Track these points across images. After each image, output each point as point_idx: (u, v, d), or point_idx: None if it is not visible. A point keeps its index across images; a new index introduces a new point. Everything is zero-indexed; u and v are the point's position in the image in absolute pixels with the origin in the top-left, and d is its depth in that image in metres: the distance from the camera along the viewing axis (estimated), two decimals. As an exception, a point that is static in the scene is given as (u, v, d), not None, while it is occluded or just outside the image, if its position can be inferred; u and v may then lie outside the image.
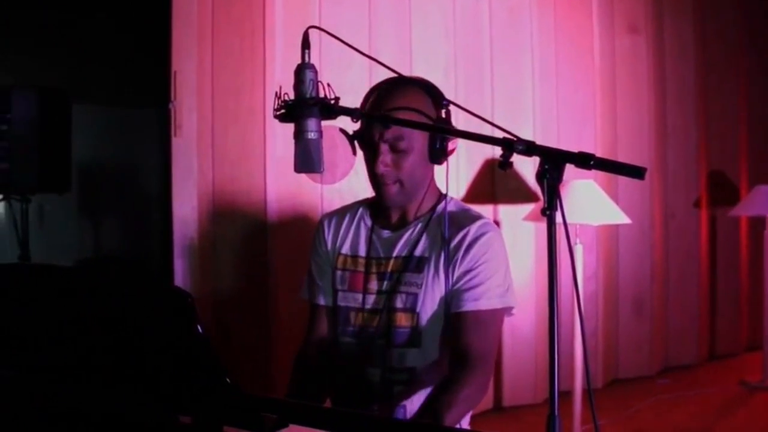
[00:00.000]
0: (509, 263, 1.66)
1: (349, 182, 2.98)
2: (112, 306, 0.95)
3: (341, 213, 1.80)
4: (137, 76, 4.68)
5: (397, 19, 3.36)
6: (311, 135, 1.29)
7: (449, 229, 1.62)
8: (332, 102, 1.28)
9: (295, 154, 1.30)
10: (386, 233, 1.70)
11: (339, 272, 1.72)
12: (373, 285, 1.67)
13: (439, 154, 1.58)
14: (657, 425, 3.40)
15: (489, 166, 3.62)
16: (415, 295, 1.62)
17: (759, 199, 4.05)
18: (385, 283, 1.66)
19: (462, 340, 1.58)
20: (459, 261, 1.61)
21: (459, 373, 1.54)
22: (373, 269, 1.68)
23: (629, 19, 4.15)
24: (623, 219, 3.12)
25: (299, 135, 1.29)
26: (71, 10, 4.67)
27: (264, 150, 3.09)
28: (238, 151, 3.06)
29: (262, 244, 3.10)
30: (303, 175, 1.37)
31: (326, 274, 1.75)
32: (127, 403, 0.95)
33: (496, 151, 3.82)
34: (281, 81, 3.26)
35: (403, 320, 1.63)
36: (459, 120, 1.77)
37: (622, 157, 3.96)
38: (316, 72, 1.29)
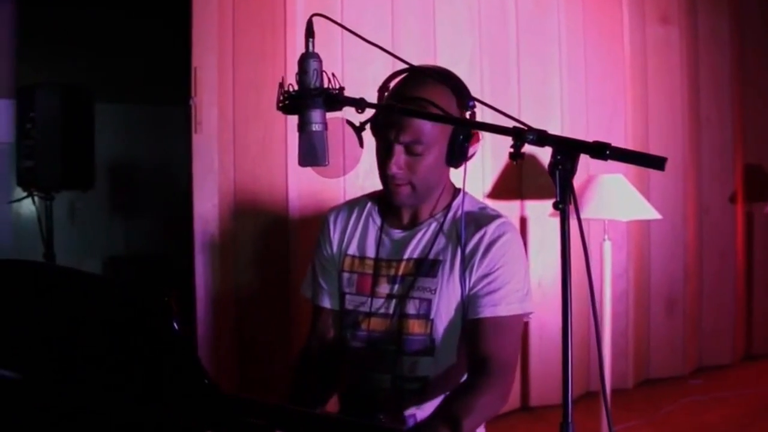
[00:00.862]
0: (528, 265, 1.58)
1: (373, 178, 2.96)
2: (92, 305, 0.92)
3: (348, 208, 1.70)
4: (166, 73, 4.69)
5: (421, 11, 3.31)
6: (315, 127, 1.24)
7: (465, 229, 1.54)
8: (336, 92, 1.23)
9: (300, 147, 1.26)
10: (397, 233, 1.61)
11: (346, 274, 1.64)
12: (383, 289, 1.59)
13: (457, 158, 1.48)
14: (689, 427, 3.30)
15: (516, 162, 3.54)
16: (429, 301, 1.54)
17: (797, 193, 3.91)
18: (396, 286, 1.57)
19: (481, 347, 1.49)
20: (476, 264, 1.52)
21: (479, 380, 1.45)
22: (383, 271, 1.59)
23: (661, 8, 4.04)
24: (654, 214, 3.03)
25: (303, 127, 1.25)
26: (95, 7, 4.70)
27: (285, 146, 3.06)
28: (259, 148, 3.04)
29: (283, 241, 3.07)
30: (317, 172, 1.33)
31: (330, 275, 1.67)
32: (107, 404, 0.92)
33: (526, 147, 3.73)
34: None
35: (416, 327, 1.54)
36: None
37: (654, 151, 3.85)
38: (320, 62, 1.24)
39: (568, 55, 3.63)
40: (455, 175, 1.64)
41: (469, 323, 1.52)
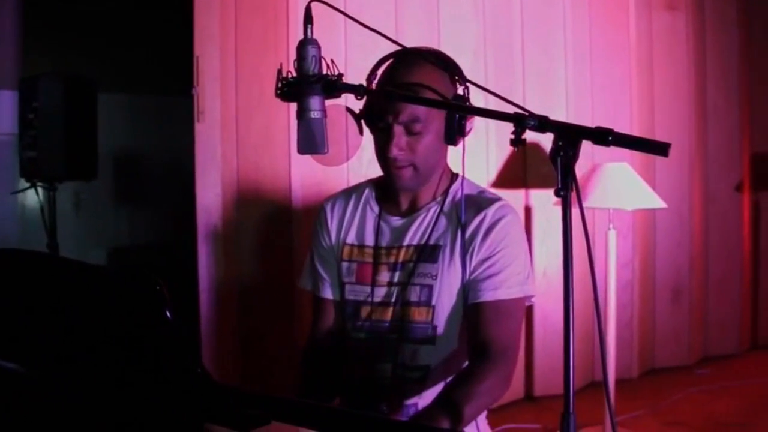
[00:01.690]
0: (528, 248, 1.56)
1: (376, 167, 2.96)
2: (85, 294, 0.91)
3: (345, 196, 1.68)
4: (170, 62, 4.68)
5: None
6: (314, 114, 1.22)
7: (465, 213, 1.52)
8: (335, 79, 1.22)
9: (298, 135, 1.24)
10: (396, 220, 1.59)
11: (345, 264, 1.61)
12: (384, 276, 1.57)
13: (455, 135, 1.46)
14: (695, 417, 3.28)
15: (520, 150, 3.48)
16: (431, 287, 1.52)
17: (805, 182, 3.88)
18: (397, 274, 1.56)
19: (482, 331, 1.47)
20: (477, 248, 1.50)
21: (480, 366, 1.44)
22: (383, 259, 1.57)
23: (667, -5, 4.00)
24: (659, 203, 3.00)
25: (301, 114, 1.23)
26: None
27: (288, 136, 3.04)
28: (262, 138, 3.02)
29: (286, 231, 3.07)
30: (316, 160, 1.31)
31: (330, 265, 1.65)
32: (102, 394, 0.91)
33: (529, 135, 3.70)
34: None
35: (417, 315, 1.52)
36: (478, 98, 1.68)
37: (659, 139, 3.82)
38: (319, 48, 1.23)
39: (573, 42, 3.60)
40: (453, 162, 1.63)
41: (470, 307, 1.51)
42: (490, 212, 1.52)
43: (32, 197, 3.48)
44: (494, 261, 1.50)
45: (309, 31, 1.23)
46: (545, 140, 3.69)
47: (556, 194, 1.02)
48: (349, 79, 1.27)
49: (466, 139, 1.49)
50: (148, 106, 5.19)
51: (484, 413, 1.58)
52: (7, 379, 0.95)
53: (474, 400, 1.38)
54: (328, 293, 1.65)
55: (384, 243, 1.59)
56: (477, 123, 3.78)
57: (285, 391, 3.01)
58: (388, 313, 1.56)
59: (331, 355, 1.64)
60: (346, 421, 0.95)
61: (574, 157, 1.03)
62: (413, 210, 1.59)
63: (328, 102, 1.26)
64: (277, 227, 3.07)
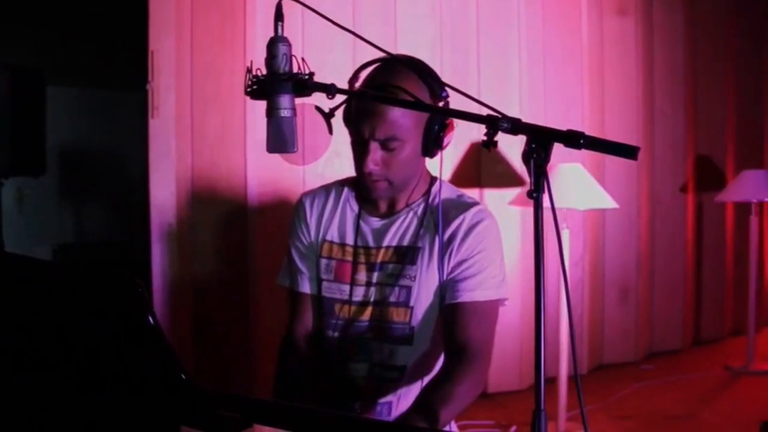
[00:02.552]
0: (503, 252, 1.58)
1: (332, 165, 2.95)
2: (58, 295, 0.88)
3: (324, 193, 1.67)
4: (123, 57, 4.58)
5: (382, -2, 3.29)
6: (284, 113, 1.22)
7: (444, 216, 1.53)
8: (306, 77, 1.21)
9: (267, 133, 1.23)
10: (375, 221, 1.60)
11: (324, 260, 1.61)
12: (362, 276, 1.57)
13: (433, 148, 1.49)
14: (643, 411, 3.38)
15: (475, 150, 3.56)
16: (409, 288, 1.53)
17: (745, 184, 4.02)
18: (375, 274, 1.56)
19: (458, 332, 1.49)
20: (455, 251, 1.52)
21: (456, 367, 1.46)
22: (362, 259, 1.58)
23: (618, 0, 4.09)
24: (611, 204, 3.08)
25: (271, 112, 1.22)
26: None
27: (244, 133, 3.02)
28: (217, 134, 2.99)
29: (241, 229, 3.04)
30: (285, 159, 1.30)
31: (309, 260, 1.64)
32: (80, 398, 0.88)
33: (482, 134, 3.76)
34: (262, 61, 3.20)
35: (396, 315, 1.54)
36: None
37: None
38: (289, 46, 1.22)
39: (527, 44, 3.66)
40: (431, 163, 1.64)
41: (446, 308, 1.52)
42: (469, 216, 1.54)
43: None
44: (472, 263, 1.52)
45: (280, 28, 1.22)
46: (501, 140, 3.74)
47: (529, 195, 1.04)
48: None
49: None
50: (98, 100, 5.07)
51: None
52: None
53: (450, 403, 1.39)
54: (306, 288, 1.64)
55: (363, 243, 1.59)
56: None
57: (240, 389, 2.98)
58: (366, 313, 1.57)
59: (308, 350, 1.63)
60: (329, 423, 0.94)
61: (547, 159, 1.05)
62: (392, 212, 1.60)
63: (297, 100, 1.26)
64: (233, 225, 3.04)
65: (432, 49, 3.38)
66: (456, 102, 1.41)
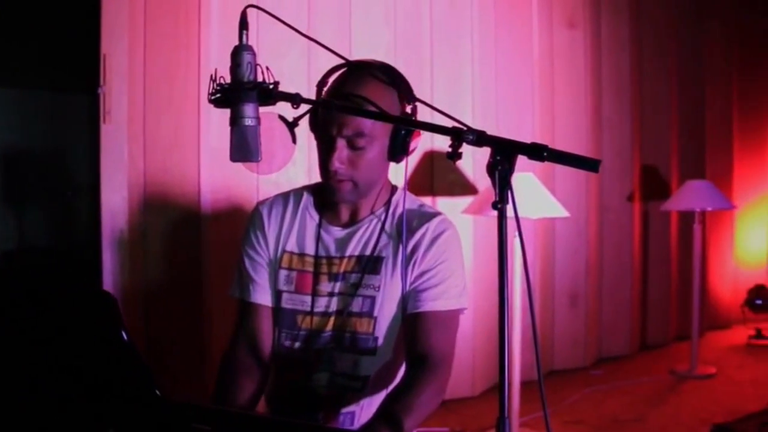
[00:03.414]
0: (464, 262, 1.60)
1: (287, 173, 2.94)
2: (27, 306, 0.86)
3: (282, 201, 1.63)
4: (67, 59, 4.47)
5: (338, 4, 3.29)
6: (248, 122, 1.21)
7: (407, 226, 1.54)
8: (271, 86, 1.21)
9: (231, 142, 1.22)
10: (337, 230, 1.59)
11: (284, 272, 1.58)
12: (324, 287, 1.56)
13: (399, 153, 1.49)
14: (592, 415, 3.44)
15: (428, 158, 3.59)
16: (373, 299, 1.53)
17: (689, 194, 4.15)
18: (338, 284, 1.56)
19: (420, 342, 1.50)
20: (418, 261, 1.53)
21: (418, 376, 1.46)
22: (323, 269, 1.56)
23: (568, 13, 4.19)
24: (562, 213, 3.14)
25: (235, 121, 1.21)
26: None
27: (198, 139, 2.98)
28: (170, 140, 2.94)
29: (194, 237, 3.00)
30: (238, 166, 1.29)
31: (263, 269, 1.60)
32: (47, 415, 0.86)
33: (436, 143, 3.81)
34: (217, 66, 3.15)
35: (359, 325, 1.53)
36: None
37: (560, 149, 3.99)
38: (254, 54, 1.21)
39: (480, 53, 3.71)
40: (392, 172, 1.64)
41: (409, 317, 1.53)
42: (432, 226, 1.55)
43: None
44: (435, 273, 1.53)
45: (244, 37, 1.22)
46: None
47: (494, 207, 1.06)
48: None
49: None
50: (41, 103, 4.93)
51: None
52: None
53: (414, 412, 1.40)
54: (258, 298, 1.60)
55: (325, 253, 1.58)
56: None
57: (193, 398, 2.93)
58: (329, 324, 1.56)
59: (253, 364, 1.60)
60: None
61: (511, 170, 1.07)
62: (354, 221, 1.59)
63: (261, 109, 1.25)
64: (185, 232, 3.00)
65: (386, 56, 3.38)
66: (421, 113, 1.43)
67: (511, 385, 3.09)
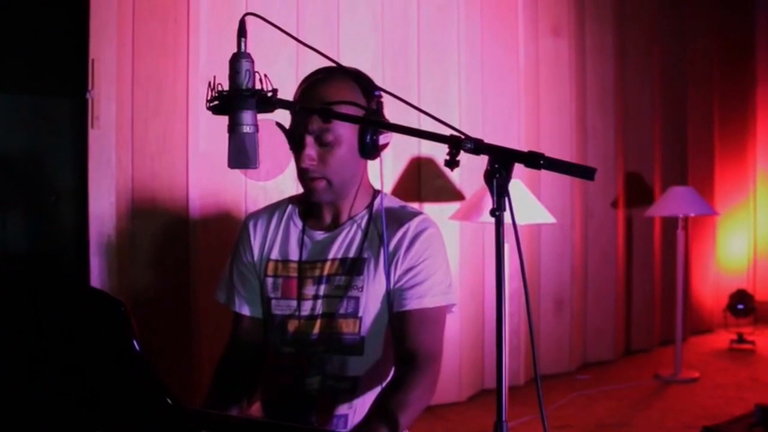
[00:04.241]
0: (448, 259, 1.62)
1: (275, 181, 2.94)
2: (32, 311, 0.86)
3: (268, 213, 1.68)
4: (50, 63, 4.44)
5: (325, 11, 3.31)
6: (247, 129, 1.22)
7: (387, 227, 1.56)
8: (269, 94, 1.22)
9: (229, 149, 1.23)
10: (319, 234, 1.61)
11: (270, 279, 1.62)
12: (309, 290, 1.58)
13: (370, 148, 1.50)
14: (578, 420, 3.47)
15: (415, 164, 3.61)
16: (357, 299, 1.55)
17: (672, 200, 4.20)
18: (322, 287, 1.58)
19: (408, 340, 1.52)
20: (401, 259, 1.54)
21: (409, 374, 1.48)
22: (307, 273, 1.59)
23: (553, 22, 4.23)
24: (549, 219, 3.16)
25: (234, 128, 1.22)
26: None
27: (186, 144, 2.98)
28: (159, 145, 2.94)
29: (183, 243, 2.99)
30: (227, 172, 1.30)
31: (249, 282, 1.65)
32: (53, 421, 0.86)
33: (423, 149, 3.84)
34: (205, 72, 3.17)
35: (345, 326, 1.55)
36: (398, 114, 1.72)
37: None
38: (252, 62, 1.23)
39: (467, 60, 3.74)
40: (374, 176, 1.66)
41: (396, 316, 1.54)
42: (413, 225, 1.57)
43: None
44: (418, 271, 1.54)
45: (243, 44, 1.23)
46: (440, 154, 3.78)
47: (492, 214, 1.07)
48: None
49: (384, 153, 1.53)
50: (22, 107, 4.89)
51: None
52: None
53: (407, 409, 1.41)
54: (245, 310, 1.66)
55: (308, 257, 1.60)
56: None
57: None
58: (315, 326, 1.57)
59: (244, 371, 1.63)
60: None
61: (508, 178, 1.08)
62: (336, 224, 1.62)
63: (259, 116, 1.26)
64: (174, 237, 2.99)
65: (373, 63, 3.42)
66: (402, 119, 1.44)
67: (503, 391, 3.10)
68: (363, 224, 1.60)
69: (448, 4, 3.68)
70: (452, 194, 3.67)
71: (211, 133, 2.96)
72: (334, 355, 1.56)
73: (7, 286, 0.89)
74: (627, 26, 4.67)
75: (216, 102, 1.23)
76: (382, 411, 1.39)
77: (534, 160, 1.08)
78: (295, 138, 1.52)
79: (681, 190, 4.23)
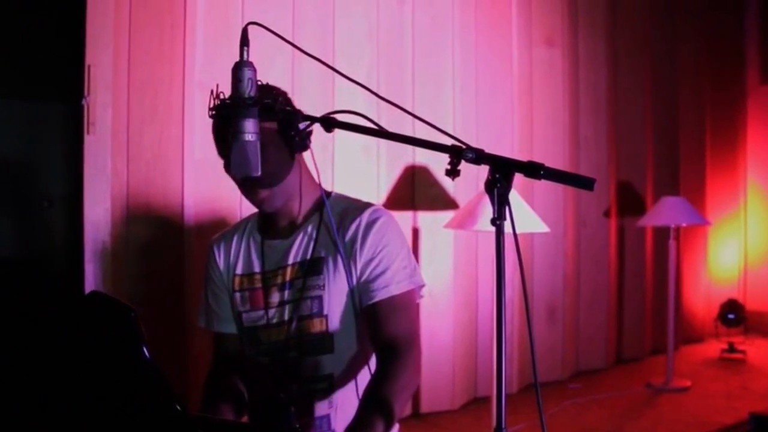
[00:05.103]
0: (408, 244, 1.64)
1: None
2: (40, 316, 0.86)
3: (230, 234, 1.74)
4: (46, 69, 4.43)
5: (321, 19, 3.32)
6: (249, 137, 1.23)
7: (340, 222, 1.58)
8: (273, 103, 1.23)
9: (232, 157, 1.24)
10: (277, 243, 1.65)
11: (238, 294, 1.67)
12: (275, 298, 1.62)
13: (296, 141, 1.47)
14: (571, 428, 3.48)
15: (409, 172, 3.62)
16: (320, 298, 1.57)
17: (664, 210, 4.23)
18: (286, 292, 1.61)
19: (383, 330, 1.54)
20: (358, 252, 1.56)
21: (392, 363, 1.50)
22: (271, 282, 1.63)
23: (546, 32, 4.26)
24: (543, 228, 3.18)
25: (236, 136, 1.23)
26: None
27: (182, 151, 2.98)
28: (154, 151, 2.94)
29: (178, 249, 2.98)
30: (222, 178, 1.31)
31: (222, 300, 1.70)
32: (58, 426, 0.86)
33: (418, 158, 3.85)
34: (201, 78, 3.17)
35: (312, 327, 1.58)
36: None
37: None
38: (254, 71, 1.23)
39: (461, 70, 3.76)
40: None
41: (366, 309, 1.56)
42: (365, 217, 1.59)
43: None
44: (378, 261, 1.56)
45: (245, 53, 1.24)
46: (433, 162, 3.79)
47: (492, 223, 1.08)
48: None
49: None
50: (12, 112, 4.87)
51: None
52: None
53: (398, 398, 1.44)
54: (221, 327, 1.71)
55: (269, 266, 1.64)
56: (368, 143, 3.83)
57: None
58: (286, 332, 1.60)
59: (230, 386, 1.66)
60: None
61: (508, 188, 1.09)
62: (292, 230, 1.64)
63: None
64: (169, 244, 2.98)
65: (368, 72, 3.44)
66: (419, 132, 1.45)
67: (493, 398, 3.11)
68: (316, 224, 1.61)
69: (442, 14, 3.70)
70: (446, 203, 3.69)
71: (206, 140, 2.93)
72: (307, 357, 1.58)
73: (15, 291, 0.89)
74: (619, 36, 4.71)
75: (218, 110, 1.24)
76: (374, 404, 1.41)
77: (534, 170, 1.09)
78: (221, 155, 1.53)
79: (673, 200, 4.26)
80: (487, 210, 3.08)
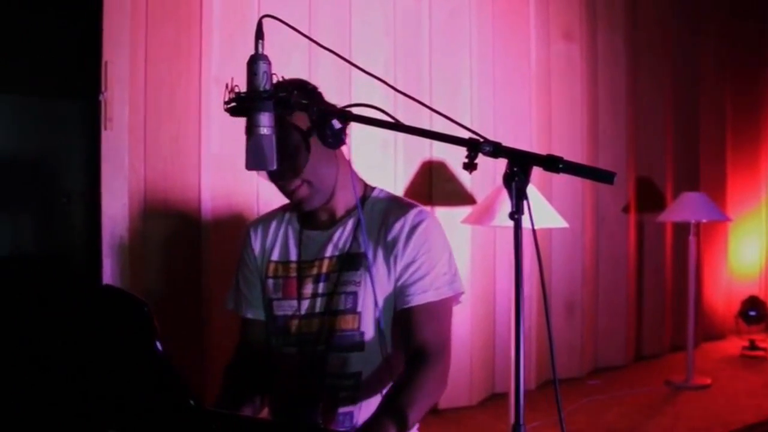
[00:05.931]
0: (451, 248, 1.60)
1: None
2: (55, 310, 0.86)
3: (268, 219, 1.71)
4: (63, 65, 4.46)
5: (338, 14, 3.31)
6: (264, 131, 1.22)
7: (384, 221, 1.55)
8: (288, 96, 1.22)
9: (247, 151, 1.23)
10: (316, 233, 1.62)
11: (271, 280, 1.64)
12: (308, 289, 1.59)
13: (332, 137, 1.42)
14: (589, 426, 3.45)
15: (426, 167, 3.61)
16: (355, 294, 1.55)
17: (684, 205, 4.18)
18: (321, 285, 1.58)
19: (416, 335, 1.51)
20: (399, 254, 1.54)
21: (417, 369, 1.47)
22: (306, 272, 1.60)
23: (564, 26, 4.22)
24: (561, 223, 3.15)
25: (251, 130, 1.22)
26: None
27: (199, 146, 2.99)
28: (171, 147, 2.95)
29: (195, 244, 2.99)
30: (239, 173, 1.31)
31: (254, 286, 1.67)
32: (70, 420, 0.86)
33: (435, 152, 3.83)
34: (218, 74, 3.17)
35: (344, 323, 1.55)
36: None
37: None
38: (269, 64, 1.22)
39: (478, 65, 3.73)
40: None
41: (401, 313, 1.54)
42: (410, 217, 1.56)
43: None
44: (419, 265, 1.53)
45: (260, 46, 1.23)
46: (451, 158, 3.76)
47: (510, 217, 1.07)
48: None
49: (351, 140, 1.52)
50: (32, 108, 4.91)
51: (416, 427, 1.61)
52: None
53: (417, 405, 1.41)
54: (249, 314, 1.68)
55: (306, 256, 1.61)
56: (386, 137, 3.81)
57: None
58: (316, 324, 1.57)
59: (252, 372, 1.64)
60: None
61: (526, 182, 1.08)
62: (332, 222, 1.62)
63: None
64: (186, 238, 2.99)
65: (385, 67, 3.42)
66: (437, 126, 1.43)
67: (511, 394, 3.09)
68: (358, 219, 1.59)
69: (459, 9, 3.67)
70: (463, 198, 3.66)
71: (223, 135, 2.97)
72: (335, 352, 1.56)
73: (29, 286, 0.89)
74: (639, 32, 4.65)
75: (233, 104, 1.23)
76: (391, 408, 1.39)
77: (553, 163, 1.08)
78: None
79: (693, 196, 4.21)
80: (505, 206, 3.06)
